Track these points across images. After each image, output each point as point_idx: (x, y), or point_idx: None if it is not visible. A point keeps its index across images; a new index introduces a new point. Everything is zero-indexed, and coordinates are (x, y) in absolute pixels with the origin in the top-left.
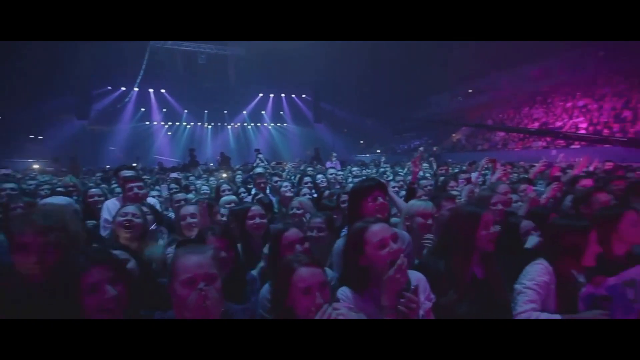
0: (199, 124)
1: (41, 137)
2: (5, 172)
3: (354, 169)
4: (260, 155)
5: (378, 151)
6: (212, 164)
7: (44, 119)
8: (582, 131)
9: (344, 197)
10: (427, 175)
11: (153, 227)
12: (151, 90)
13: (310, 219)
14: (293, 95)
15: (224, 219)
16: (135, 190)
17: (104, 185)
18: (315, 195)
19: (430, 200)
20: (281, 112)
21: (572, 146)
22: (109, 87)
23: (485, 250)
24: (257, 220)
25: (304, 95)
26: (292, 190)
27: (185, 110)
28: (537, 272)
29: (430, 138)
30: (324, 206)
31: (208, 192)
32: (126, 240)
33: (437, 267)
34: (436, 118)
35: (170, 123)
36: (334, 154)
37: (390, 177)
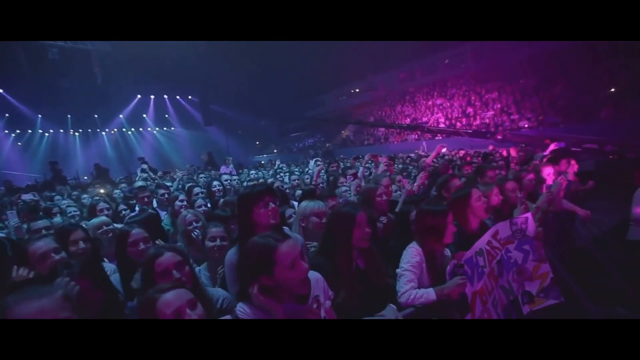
0: (62, 130)
1: None
2: None
3: (252, 172)
4: (143, 166)
5: (275, 151)
6: (85, 177)
7: None
8: (442, 125)
9: None
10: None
11: None
12: None
13: (209, 229)
14: (178, 97)
15: (82, 246)
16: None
17: None
18: (209, 205)
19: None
20: (166, 115)
21: (437, 137)
22: None
23: (361, 247)
24: (141, 245)
25: (190, 97)
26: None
27: (40, 115)
28: (410, 255)
29: (323, 135)
30: (217, 217)
31: (78, 213)
32: None
33: (324, 266)
34: (325, 116)
35: (18, 131)
36: (229, 158)
37: (286, 177)
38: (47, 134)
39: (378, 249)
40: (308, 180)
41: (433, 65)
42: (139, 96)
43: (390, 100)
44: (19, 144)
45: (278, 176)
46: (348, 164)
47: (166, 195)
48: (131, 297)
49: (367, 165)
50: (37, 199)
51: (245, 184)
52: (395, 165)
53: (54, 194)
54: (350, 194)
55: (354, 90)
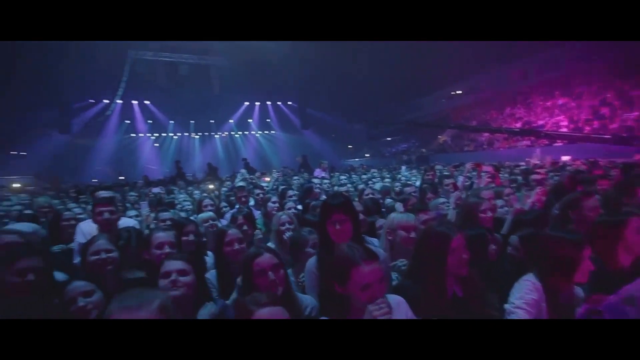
0: (186, 134)
1: (23, 153)
2: None
3: (342, 177)
4: (242, 171)
5: (366, 155)
6: (202, 174)
7: (25, 134)
8: (564, 129)
9: None
10: (414, 181)
11: None
12: (135, 102)
13: (308, 235)
14: (279, 103)
15: (192, 238)
16: (106, 215)
17: (73, 205)
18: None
19: (412, 212)
20: (268, 120)
21: (555, 144)
22: (91, 100)
23: (458, 275)
24: (236, 246)
25: (289, 102)
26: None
27: (171, 121)
28: (525, 290)
29: (417, 140)
30: (307, 221)
31: (191, 207)
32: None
33: (413, 290)
34: (421, 120)
35: (157, 134)
36: (325, 162)
37: (377, 184)
38: (175, 137)
39: (482, 273)
40: (398, 189)
41: (553, 59)
42: (246, 103)
43: (497, 102)
44: (156, 144)
45: (370, 182)
46: (446, 172)
47: (261, 195)
48: (226, 296)
49: (468, 174)
50: (163, 192)
51: (335, 188)
52: (501, 175)
53: (174, 188)
54: (448, 207)
55: (454, 93)
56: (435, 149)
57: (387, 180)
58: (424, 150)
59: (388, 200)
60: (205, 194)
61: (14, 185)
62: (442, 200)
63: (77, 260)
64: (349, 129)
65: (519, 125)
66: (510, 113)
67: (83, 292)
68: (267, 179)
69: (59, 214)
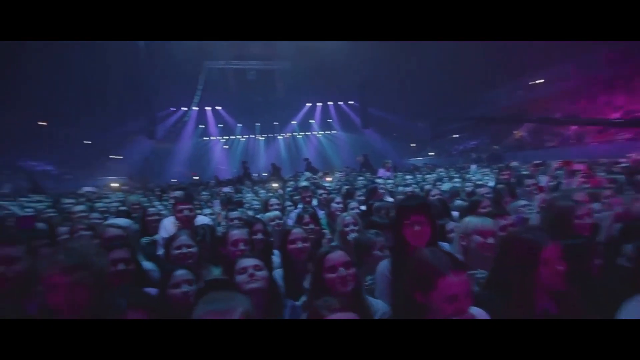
0: (252, 136)
1: (120, 157)
2: (90, 189)
3: (407, 176)
4: (306, 173)
5: (431, 154)
6: (265, 174)
7: (121, 140)
8: None
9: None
10: (487, 181)
11: None
12: (208, 108)
13: (375, 238)
14: (340, 103)
15: (261, 237)
16: (185, 212)
17: (157, 202)
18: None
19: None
20: (329, 120)
21: None
22: (172, 109)
23: (552, 290)
24: (300, 244)
25: (351, 102)
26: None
27: (239, 124)
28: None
29: (488, 137)
30: (373, 223)
31: (259, 206)
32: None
33: (495, 303)
34: (494, 115)
35: (226, 137)
36: (388, 161)
37: (445, 184)
38: (242, 139)
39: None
40: (469, 189)
41: None
42: (308, 104)
43: (588, 90)
44: (226, 146)
45: (437, 183)
46: (525, 172)
47: (324, 195)
48: (294, 296)
49: (554, 174)
50: (233, 191)
51: (399, 188)
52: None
53: (242, 187)
54: (530, 211)
55: (533, 82)
56: (510, 146)
57: (455, 180)
58: (496, 147)
59: (457, 202)
60: (270, 194)
61: (113, 184)
62: (522, 202)
63: (160, 252)
64: (412, 127)
65: (618, 115)
66: (606, 101)
67: (187, 280)
68: (329, 179)
69: (146, 210)
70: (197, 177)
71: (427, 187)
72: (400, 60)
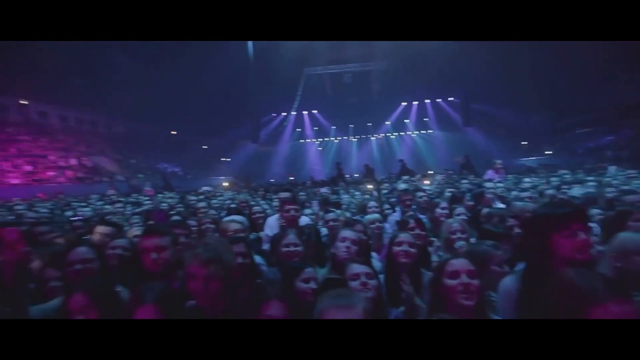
0: (345, 137)
1: (229, 159)
2: (207, 188)
3: (525, 179)
4: (404, 178)
5: (548, 152)
6: (357, 175)
7: (230, 145)
8: None
9: (512, 221)
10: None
11: None
12: (305, 112)
13: (493, 250)
14: (439, 100)
15: (363, 237)
16: (292, 212)
17: (262, 201)
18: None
19: None
20: (425, 119)
21: None
22: (273, 114)
23: None
24: (405, 247)
25: (450, 98)
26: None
27: (333, 127)
28: None
29: (632, 130)
30: (488, 232)
31: (355, 209)
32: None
33: None
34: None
35: (320, 139)
36: (498, 161)
37: (575, 189)
38: (336, 141)
39: None
40: (611, 196)
41: None
42: (403, 104)
43: None
44: (319, 148)
45: (562, 188)
46: None
47: (425, 199)
48: (396, 304)
49: None
50: (330, 192)
51: (513, 193)
52: None
53: (337, 188)
54: None
55: None
56: None
57: (589, 184)
58: None
59: (594, 211)
60: (366, 196)
61: (223, 184)
62: None
63: (265, 246)
64: (524, 121)
65: None
66: None
67: (314, 278)
68: (428, 181)
69: (252, 208)
70: (293, 178)
71: (549, 192)
72: (510, 47)
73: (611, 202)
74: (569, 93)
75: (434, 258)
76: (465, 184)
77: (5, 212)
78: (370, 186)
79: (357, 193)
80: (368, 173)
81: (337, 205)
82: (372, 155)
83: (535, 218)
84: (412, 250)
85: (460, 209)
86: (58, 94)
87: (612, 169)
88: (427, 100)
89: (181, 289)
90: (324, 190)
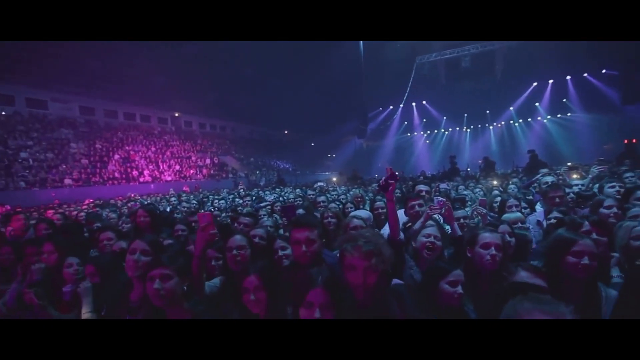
0: (457, 128)
1: (334, 155)
2: (321, 184)
3: None
4: (543, 170)
5: None
6: (469, 169)
7: (337, 141)
8: None
9: None
10: None
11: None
12: (414, 104)
13: None
14: (585, 74)
15: (507, 239)
16: (417, 208)
17: (379, 197)
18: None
19: None
20: (564, 100)
21: None
22: (380, 108)
23: None
24: (586, 260)
25: (604, 71)
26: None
27: (444, 117)
28: None
29: None
30: None
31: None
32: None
33: None
34: None
35: (428, 132)
36: None
37: None
38: (446, 132)
39: None
40: None
41: None
42: (534, 84)
43: None
44: (427, 141)
45: None
46: None
47: (572, 196)
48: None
49: None
50: (449, 188)
51: None
52: None
53: (456, 184)
54: None
55: None
56: None
57: None
58: None
59: None
60: (495, 191)
61: (333, 179)
62: None
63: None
64: None
65: None
66: None
67: (462, 281)
68: (576, 175)
69: (372, 203)
70: (398, 173)
71: None
72: None
73: None
74: None
75: (614, 272)
76: (630, 177)
77: (165, 204)
78: (495, 182)
79: (477, 189)
80: (488, 166)
81: (462, 202)
82: (489, 147)
83: None
84: (594, 263)
85: (636, 210)
86: (198, 106)
87: None
88: (568, 77)
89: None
90: (443, 185)
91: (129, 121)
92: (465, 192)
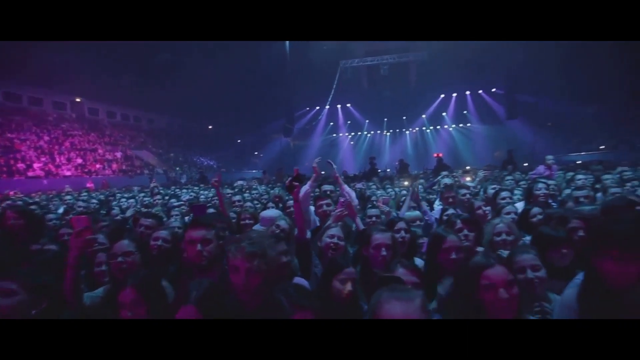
0: (379, 132)
1: (261, 154)
2: (241, 182)
3: (579, 176)
4: (442, 175)
5: (601, 147)
6: (388, 170)
7: (263, 139)
8: None
9: (576, 222)
10: None
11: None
12: (339, 106)
13: (514, 255)
14: (480, 91)
15: (403, 234)
16: (324, 207)
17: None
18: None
19: None
20: (465, 112)
21: None
22: (307, 108)
23: None
24: (453, 255)
25: (494, 90)
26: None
27: (367, 120)
28: None
29: None
30: (546, 236)
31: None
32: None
33: None
34: None
35: (353, 133)
36: (550, 157)
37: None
38: (368, 135)
39: None
40: None
41: None
42: (442, 95)
43: None
44: (352, 142)
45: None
46: None
47: (467, 196)
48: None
49: None
50: (365, 188)
51: (566, 192)
52: None
53: (371, 184)
54: None
55: None
56: None
57: None
58: None
59: None
60: (404, 191)
61: (256, 178)
62: None
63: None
64: (576, 114)
65: None
66: None
67: (352, 279)
68: (469, 178)
69: (286, 203)
70: (323, 172)
71: (614, 190)
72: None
73: None
74: (630, 80)
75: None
76: (509, 180)
77: (58, 202)
78: (406, 183)
79: (389, 188)
80: (402, 168)
81: (368, 200)
82: (406, 150)
83: (602, 224)
84: (460, 255)
85: (510, 207)
86: (107, 91)
87: None
88: (468, 92)
89: (221, 283)
90: (359, 185)
91: (12, 103)
92: (378, 192)
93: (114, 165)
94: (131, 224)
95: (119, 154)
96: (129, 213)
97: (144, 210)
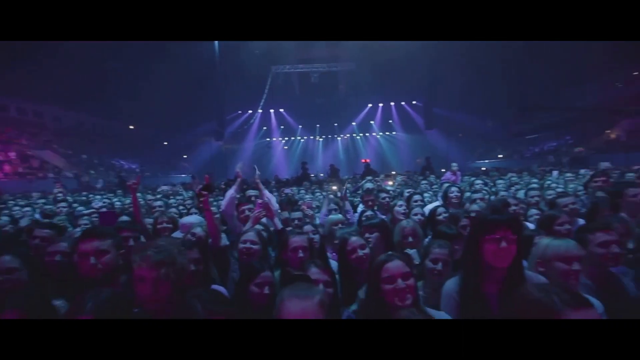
0: (312, 137)
1: (190, 158)
2: (166, 187)
3: (477, 181)
4: (366, 180)
5: (500, 156)
6: (321, 175)
7: (193, 142)
8: None
9: (465, 221)
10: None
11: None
12: (272, 110)
13: (432, 248)
14: (403, 103)
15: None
16: (246, 212)
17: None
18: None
19: (573, 237)
20: (390, 121)
21: None
22: (239, 111)
23: None
24: (359, 252)
25: (414, 102)
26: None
27: (300, 126)
28: None
29: (573, 137)
30: (441, 233)
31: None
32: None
33: None
34: (582, 112)
35: (286, 138)
36: (455, 164)
37: (521, 192)
38: (302, 140)
39: None
40: (551, 197)
41: None
42: (369, 105)
43: None
44: (285, 147)
45: (510, 190)
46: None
47: (387, 199)
48: (349, 304)
49: None
50: (294, 192)
51: (467, 195)
52: None
53: (301, 188)
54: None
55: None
56: (600, 148)
57: (533, 186)
58: (579, 149)
59: (532, 211)
60: (331, 196)
61: (183, 183)
62: (624, 216)
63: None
64: (481, 126)
65: None
66: None
67: (270, 283)
68: (391, 182)
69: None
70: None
71: (503, 193)
72: (472, 55)
73: (552, 204)
74: (529, 97)
75: None
76: (424, 184)
77: None
78: (334, 187)
79: (318, 192)
80: (333, 173)
81: (295, 204)
82: (338, 156)
83: (473, 221)
84: (366, 252)
85: (417, 209)
86: None
87: (554, 173)
88: (392, 103)
89: (124, 294)
90: (288, 190)
91: None
92: (306, 197)
93: (7, 167)
94: (25, 236)
95: (12, 154)
96: (23, 223)
97: (42, 220)
